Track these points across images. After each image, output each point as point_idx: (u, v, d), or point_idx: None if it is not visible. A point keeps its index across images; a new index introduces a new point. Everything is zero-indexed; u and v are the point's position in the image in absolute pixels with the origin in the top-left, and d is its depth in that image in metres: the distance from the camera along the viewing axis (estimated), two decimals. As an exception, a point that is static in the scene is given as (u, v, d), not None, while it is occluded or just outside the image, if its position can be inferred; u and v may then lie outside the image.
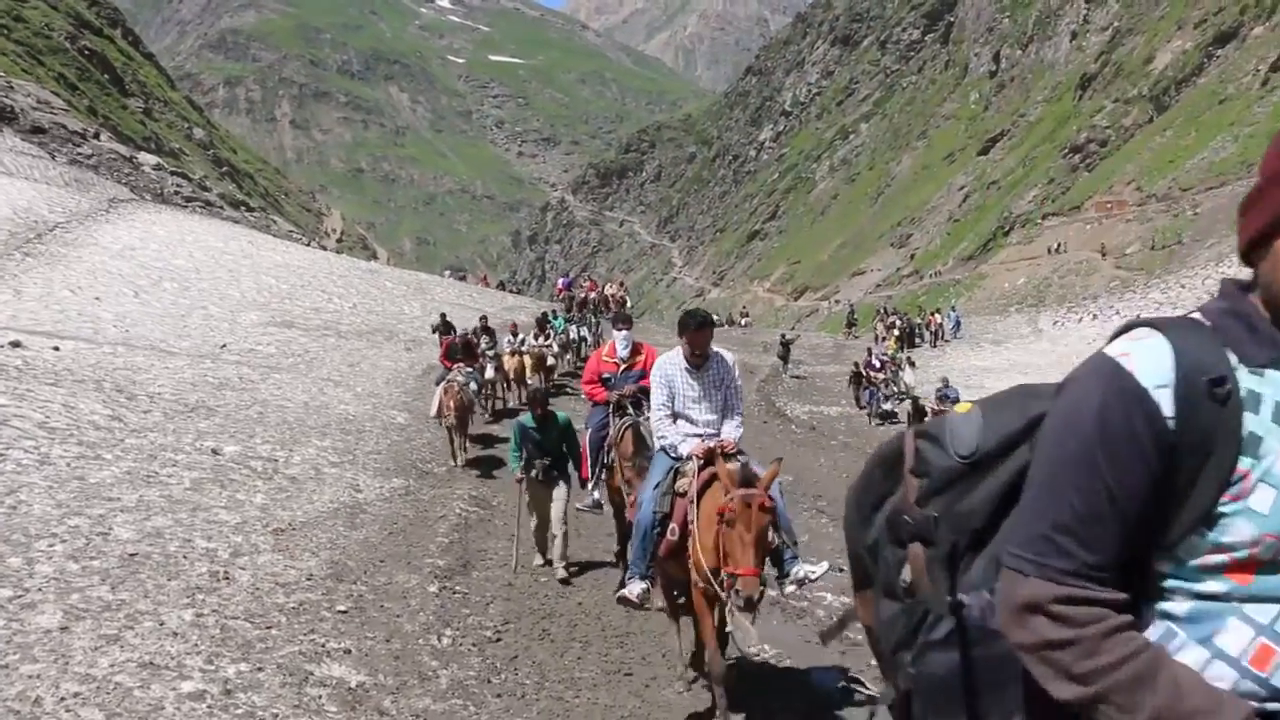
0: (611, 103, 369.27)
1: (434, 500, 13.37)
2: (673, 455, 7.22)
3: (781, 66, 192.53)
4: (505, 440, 15.07)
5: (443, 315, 26.75)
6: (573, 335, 29.70)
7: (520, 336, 24.40)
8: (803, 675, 8.15)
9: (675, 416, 7.38)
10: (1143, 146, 77.49)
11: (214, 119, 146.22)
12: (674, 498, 6.98)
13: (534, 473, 10.96)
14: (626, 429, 9.39)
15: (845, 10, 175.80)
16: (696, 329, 7.22)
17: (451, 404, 15.84)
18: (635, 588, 7.17)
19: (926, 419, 24.68)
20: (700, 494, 6.69)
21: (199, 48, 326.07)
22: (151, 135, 78.98)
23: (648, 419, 9.15)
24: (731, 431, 7.35)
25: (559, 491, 10.99)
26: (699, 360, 7.31)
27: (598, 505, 10.29)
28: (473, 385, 18.18)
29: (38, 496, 9.47)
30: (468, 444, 16.84)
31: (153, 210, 37.77)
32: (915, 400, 25.53)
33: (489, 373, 21.43)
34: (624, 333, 10.66)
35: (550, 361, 24.82)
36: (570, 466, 11.09)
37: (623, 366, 10.21)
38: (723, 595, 6.09)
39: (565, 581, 10.54)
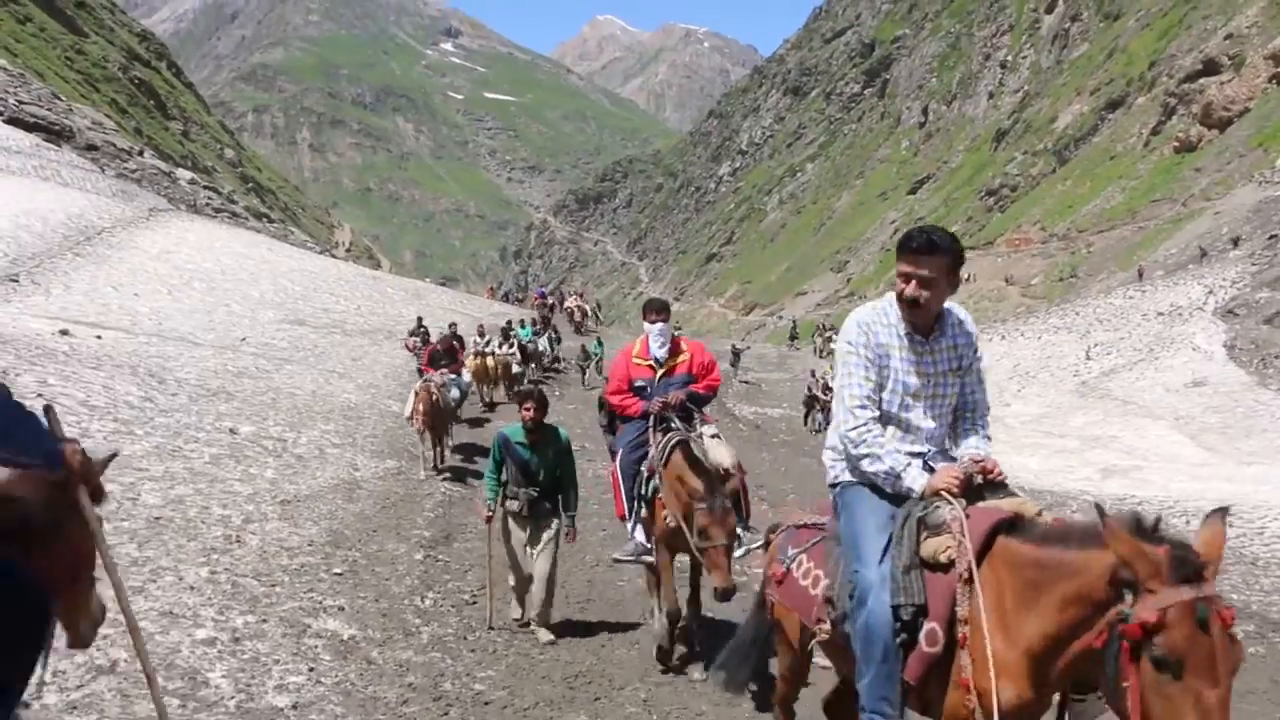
0: (590, 137, 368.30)
1: (422, 480, 13.37)
2: (889, 491, 3.56)
3: (739, 111, 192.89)
4: (488, 451, 14.26)
5: (419, 319, 25.05)
6: (540, 346, 28.52)
7: (487, 338, 23.90)
8: None
9: (885, 420, 3.66)
10: (1046, 193, 78.50)
11: (243, 141, 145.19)
12: (924, 572, 3.29)
13: (517, 505, 7.43)
14: (673, 447, 6.43)
15: (796, 65, 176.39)
16: (920, 250, 3.46)
17: (420, 406, 13.47)
18: None
19: None
20: (978, 562, 3.13)
21: (232, 79, 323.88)
22: (188, 154, 78.77)
23: (700, 435, 6.65)
24: (979, 447, 3.65)
25: (547, 534, 7.51)
26: (927, 319, 3.58)
27: (645, 550, 6.93)
28: (454, 392, 15.81)
29: (76, 466, 9.40)
30: (444, 453, 14.76)
31: (186, 219, 37.37)
32: None
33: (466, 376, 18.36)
34: (659, 325, 7.11)
35: (515, 369, 23.72)
36: (566, 501, 7.59)
37: (660, 370, 7.01)
38: None
39: (551, 643, 7.50)
